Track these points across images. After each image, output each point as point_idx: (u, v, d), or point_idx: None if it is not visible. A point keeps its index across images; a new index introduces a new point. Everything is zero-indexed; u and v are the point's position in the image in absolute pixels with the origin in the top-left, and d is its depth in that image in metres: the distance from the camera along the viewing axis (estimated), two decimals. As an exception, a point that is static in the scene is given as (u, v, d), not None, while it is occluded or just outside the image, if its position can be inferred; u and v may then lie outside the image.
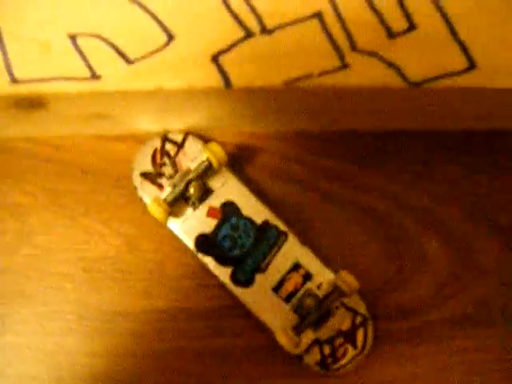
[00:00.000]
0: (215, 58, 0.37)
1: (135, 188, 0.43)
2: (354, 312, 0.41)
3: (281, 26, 0.38)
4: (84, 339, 0.41)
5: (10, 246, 0.43)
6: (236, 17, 0.38)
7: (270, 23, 0.38)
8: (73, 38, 0.37)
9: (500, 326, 0.42)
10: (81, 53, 0.37)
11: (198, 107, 0.42)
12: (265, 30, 0.38)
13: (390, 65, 0.38)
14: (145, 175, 0.43)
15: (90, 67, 0.37)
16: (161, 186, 0.43)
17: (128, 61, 0.37)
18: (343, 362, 0.40)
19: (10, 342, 0.41)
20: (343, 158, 0.45)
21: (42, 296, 0.42)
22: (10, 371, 0.41)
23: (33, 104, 0.39)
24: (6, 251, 0.43)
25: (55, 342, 0.41)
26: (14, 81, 0.37)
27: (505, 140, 0.44)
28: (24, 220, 0.43)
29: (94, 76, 0.37)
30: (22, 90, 0.37)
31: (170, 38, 0.38)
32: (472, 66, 0.38)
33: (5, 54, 0.37)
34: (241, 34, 0.38)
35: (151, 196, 0.42)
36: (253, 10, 0.39)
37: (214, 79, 0.37)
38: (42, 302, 0.42)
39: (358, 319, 0.41)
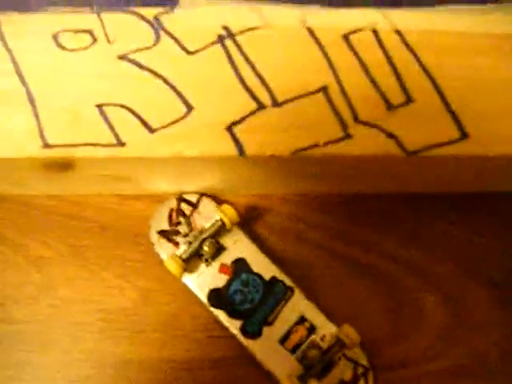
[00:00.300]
0: (230, 128, 0.39)
1: (152, 244, 0.45)
2: (356, 363, 0.42)
3: (290, 100, 0.40)
4: (101, 386, 0.42)
5: (33, 297, 0.44)
6: (250, 91, 0.40)
7: (280, 97, 0.40)
8: (100, 107, 0.40)
9: (496, 377, 0.43)
10: (107, 121, 0.39)
11: (212, 171, 0.44)
12: (275, 103, 0.40)
13: (390, 135, 0.40)
14: (161, 233, 0.45)
15: (115, 135, 0.39)
16: (176, 244, 0.45)
17: (150, 129, 0.39)
18: (346, 410, 0.40)
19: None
20: (346, 218, 0.47)
21: (62, 345, 0.44)
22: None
23: (61, 166, 0.41)
24: (29, 302, 0.44)
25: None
26: (46, 146, 0.39)
27: (498, 202, 0.46)
28: (47, 273, 0.45)
29: (119, 143, 0.39)
30: (53, 153, 0.39)
31: (189, 109, 0.40)
32: (464, 135, 0.40)
33: (38, 122, 0.39)
34: (254, 106, 0.40)
35: (167, 252, 0.44)
36: (265, 84, 0.41)
37: (229, 148, 0.39)
38: (61, 351, 0.43)
39: (360, 370, 0.42)
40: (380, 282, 0.46)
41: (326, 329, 0.43)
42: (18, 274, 0.45)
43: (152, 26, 0.42)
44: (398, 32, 0.43)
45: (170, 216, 0.46)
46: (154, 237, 0.45)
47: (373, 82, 0.42)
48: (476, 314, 0.45)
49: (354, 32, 0.43)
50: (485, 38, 0.43)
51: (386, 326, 0.45)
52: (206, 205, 0.46)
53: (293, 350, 0.43)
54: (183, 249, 0.44)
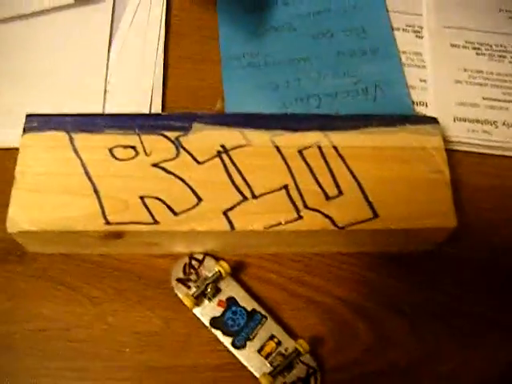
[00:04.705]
0: (225, 213, 0.49)
1: (172, 288, 0.52)
2: (308, 366, 0.49)
3: (263, 194, 0.50)
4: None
5: (89, 323, 0.52)
6: (237, 188, 0.50)
7: (257, 192, 0.50)
8: (142, 198, 0.49)
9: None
10: (147, 207, 0.49)
11: (213, 240, 0.52)
12: (254, 196, 0.50)
13: (327, 216, 0.50)
14: (178, 280, 0.52)
15: (152, 216, 0.49)
16: (189, 287, 0.52)
17: (174, 213, 0.49)
18: (301, 398, 0.49)
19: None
20: (301, 270, 0.55)
21: (110, 354, 0.51)
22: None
23: (115, 236, 0.49)
24: (86, 326, 0.51)
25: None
26: (107, 223, 0.48)
27: (400, 258, 0.56)
28: (99, 306, 0.52)
29: (155, 222, 0.49)
30: (111, 228, 0.48)
31: (199, 200, 0.50)
32: (375, 216, 0.50)
33: (102, 207, 0.49)
34: (240, 198, 0.50)
35: (183, 293, 0.51)
36: (247, 184, 0.50)
37: (224, 225, 0.49)
38: (110, 359, 0.50)
39: (311, 370, 0.49)
40: (326, 314, 0.53)
41: (288, 343, 0.50)
42: (79, 307, 0.52)
43: (174, 144, 0.52)
44: (335, 147, 0.53)
45: (184, 268, 0.53)
46: (174, 282, 0.52)
47: (317, 181, 0.51)
48: (391, 334, 0.52)
49: (306, 148, 0.52)
50: (392, 150, 0.53)
51: (329, 342, 0.52)
52: (208, 261, 0.53)
53: (266, 357, 0.49)
54: (193, 290, 0.50)
